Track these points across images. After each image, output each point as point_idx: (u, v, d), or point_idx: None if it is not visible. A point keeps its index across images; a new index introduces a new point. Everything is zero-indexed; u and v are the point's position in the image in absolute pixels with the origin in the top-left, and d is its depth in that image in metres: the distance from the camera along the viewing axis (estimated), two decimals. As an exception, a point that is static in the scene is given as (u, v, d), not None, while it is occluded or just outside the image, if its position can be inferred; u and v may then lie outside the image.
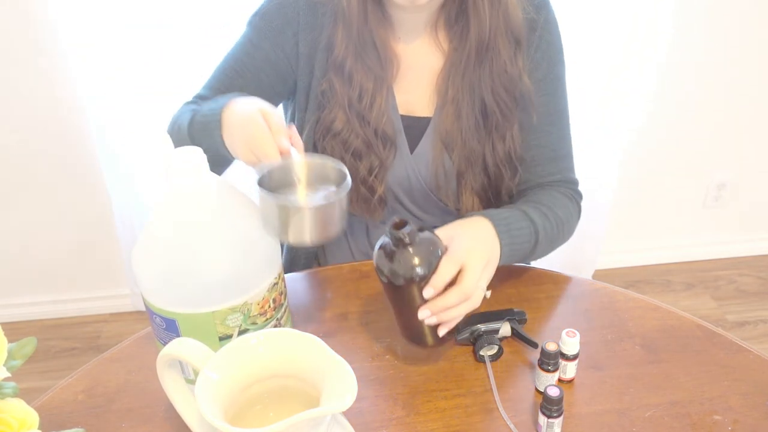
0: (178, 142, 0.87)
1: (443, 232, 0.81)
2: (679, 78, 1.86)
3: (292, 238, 0.72)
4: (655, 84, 1.84)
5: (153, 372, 0.85)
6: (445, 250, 0.78)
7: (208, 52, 1.59)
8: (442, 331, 0.78)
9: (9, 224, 1.91)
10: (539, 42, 0.98)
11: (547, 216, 0.94)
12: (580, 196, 1.05)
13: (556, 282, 0.99)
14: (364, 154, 0.99)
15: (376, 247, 0.79)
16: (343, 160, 0.96)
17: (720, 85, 1.90)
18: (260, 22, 1.00)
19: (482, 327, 0.85)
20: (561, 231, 0.97)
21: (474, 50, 0.94)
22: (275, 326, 0.77)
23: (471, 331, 0.85)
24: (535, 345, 0.86)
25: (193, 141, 0.90)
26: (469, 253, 0.78)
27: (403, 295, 0.78)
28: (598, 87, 1.75)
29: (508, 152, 1.00)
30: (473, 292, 0.77)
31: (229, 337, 0.72)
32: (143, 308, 0.76)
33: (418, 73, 1.01)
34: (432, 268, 0.75)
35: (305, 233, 0.72)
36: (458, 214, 1.05)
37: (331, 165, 0.76)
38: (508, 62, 0.95)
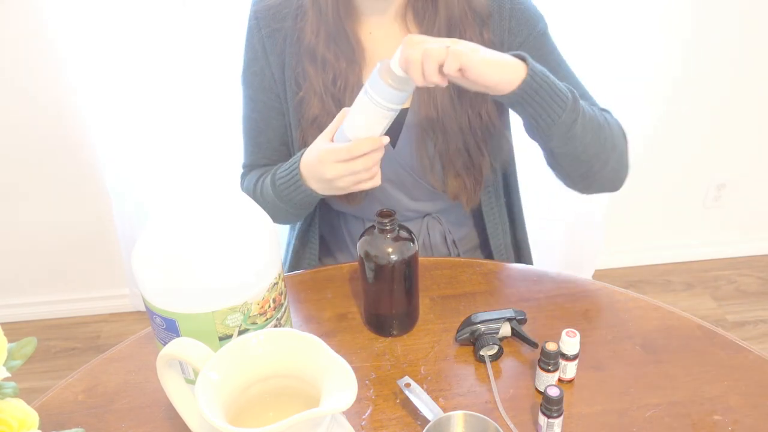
0: (263, 206, 0.97)
1: None
2: (679, 79, 1.86)
3: None
4: (655, 85, 1.84)
5: (153, 372, 0.85)
6: (417, 248, 0.86)
7: (207, 52, 1.61)
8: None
9: (9, 224, 1.92)
10: (511, 11, 0.97)
11: (591, 108, 0.92)
12: (619, 120, 1.02)
13: (556, 282, 0.99)
14: None
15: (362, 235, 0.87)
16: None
17: (719, 85, 1.90)
18: (248, 75, 1.06)
19: (482, 327, 0.85)
20: (607, 128, 0.94)
21: (444, 30, 0.95)
22: (275, 326, 0.77)
23: (471, 331, 0.85)
24: (535, 345, 0.86)
25: (282, 200, 1.00)
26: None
27: (378, 278, 0.85)
28: (600, 90, 1.75)
29: (486, 128, 1.00)
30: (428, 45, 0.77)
31: (229, 337, 0.72)
32: (143, 308, 0.76)
33: None
34: (404, 258, 0.84)
35: None
36: (447, 197, 1.06)
37: (491, 423, 0.73)
38: (475, 38, 0.95)
